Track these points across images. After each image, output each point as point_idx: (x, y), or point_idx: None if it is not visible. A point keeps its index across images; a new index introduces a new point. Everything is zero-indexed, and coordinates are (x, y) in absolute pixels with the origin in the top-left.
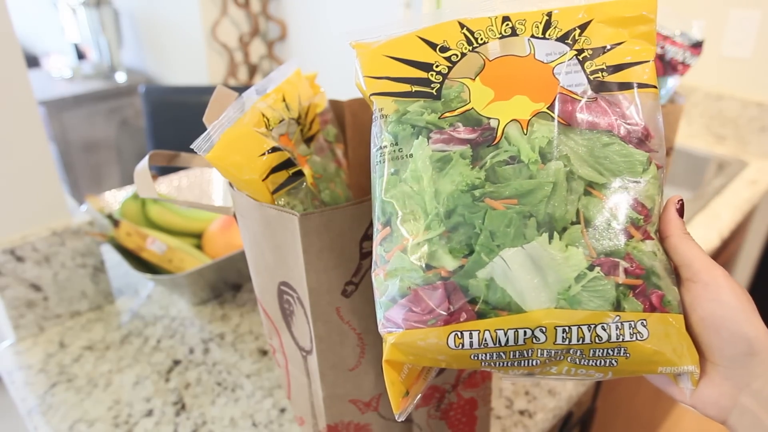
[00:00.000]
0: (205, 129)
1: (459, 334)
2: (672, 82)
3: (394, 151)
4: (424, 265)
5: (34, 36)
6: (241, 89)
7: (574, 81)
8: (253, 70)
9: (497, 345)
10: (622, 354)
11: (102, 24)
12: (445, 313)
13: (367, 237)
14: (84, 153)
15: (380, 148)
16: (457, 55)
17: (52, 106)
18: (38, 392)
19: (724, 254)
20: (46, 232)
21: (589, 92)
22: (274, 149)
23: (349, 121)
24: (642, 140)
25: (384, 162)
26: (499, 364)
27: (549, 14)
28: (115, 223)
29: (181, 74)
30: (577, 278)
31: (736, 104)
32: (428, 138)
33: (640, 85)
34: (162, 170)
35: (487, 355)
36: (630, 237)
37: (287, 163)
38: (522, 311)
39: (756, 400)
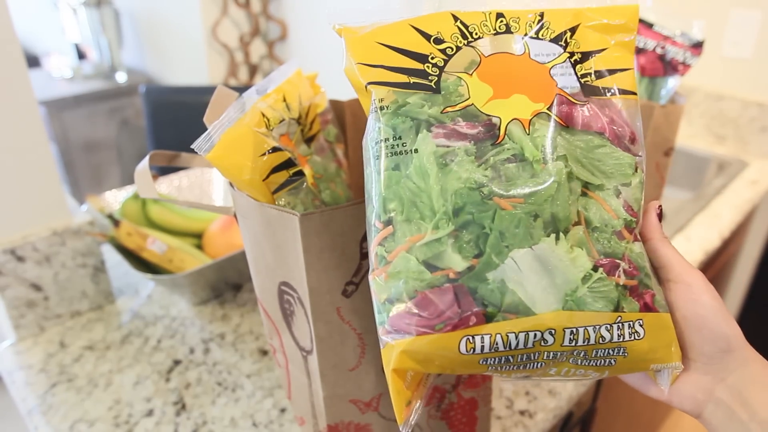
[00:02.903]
0: (205, 129)
1: (471, 338)
2: (672, 82)
3: (396, 145)
4: (431, 267)
5: (35, 36)
6: (241, 89)
7: (568, 83)
8: (253, 70)
9: (507, 349)
10: (621, 354)
11: (102, 24)
12: (455, 317)
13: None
14: (84, 153)
15: (379, 141)
16: (452, 48)
17: (53, 106)
18: (38, 392)
19: (724, 254)
20: (46, 232)
21: (582, 95)
22: (274, 149)
23: (350, 121)
24: (628, 144)
25: (383, 157)
26: (507, 368)
27: (541, 14)
28: (116, 223)
29: (181, 74)
30: (583, 279)
31: (736, 104)
32: (429, 132)
33: (623, 92)
34: (162, 170)
35: (497, 359)
36: (623, 238)
37: (288, 163)
38: (532, 313)
39: (731, 393)
